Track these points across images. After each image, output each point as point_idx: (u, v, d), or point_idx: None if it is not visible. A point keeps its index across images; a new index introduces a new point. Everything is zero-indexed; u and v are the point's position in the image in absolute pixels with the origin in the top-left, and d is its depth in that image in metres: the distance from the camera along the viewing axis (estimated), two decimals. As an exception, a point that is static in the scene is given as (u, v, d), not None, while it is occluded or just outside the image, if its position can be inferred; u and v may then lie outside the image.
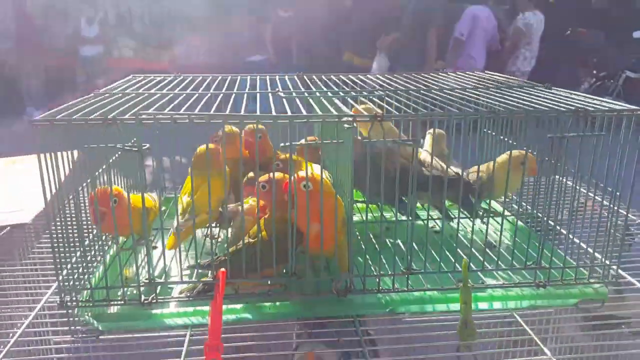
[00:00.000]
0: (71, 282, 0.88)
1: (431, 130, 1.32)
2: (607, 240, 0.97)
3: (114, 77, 1.22)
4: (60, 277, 0.86)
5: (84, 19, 5.98)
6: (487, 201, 1.27)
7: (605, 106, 0.94)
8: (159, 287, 0.91)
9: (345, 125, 0.84)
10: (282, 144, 0.86)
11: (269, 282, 0.92)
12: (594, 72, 6.77)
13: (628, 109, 0.91)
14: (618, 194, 0.94)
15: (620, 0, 7.19)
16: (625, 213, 0.97)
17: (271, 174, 0.89)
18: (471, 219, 1.04)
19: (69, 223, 0.88)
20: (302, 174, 0.88)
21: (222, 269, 0.84)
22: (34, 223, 1.29)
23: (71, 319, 0.89)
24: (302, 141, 0.96)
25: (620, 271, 1.02)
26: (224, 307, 0.86)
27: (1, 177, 1.60)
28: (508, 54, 5.62)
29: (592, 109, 0.91)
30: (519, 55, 5.58)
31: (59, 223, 0.85)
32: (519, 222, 1.15)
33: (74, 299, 0.88)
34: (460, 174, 1.07)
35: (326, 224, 0.87)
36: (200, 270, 0.95)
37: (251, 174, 1.02)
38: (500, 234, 1.05)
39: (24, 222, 1.28)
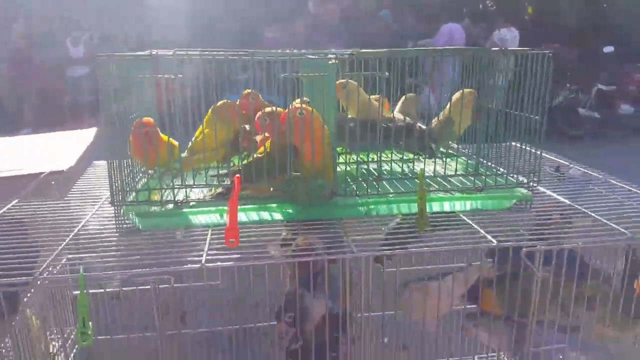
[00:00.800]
0: (120, 187, 1.16)
1: (404, 97, 1.63)
2: (530, 157, 1.28)
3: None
4: (113, 183, 1.14)
5: (69, 40, 6.23)
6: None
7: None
8: (189, 190, 1.19)
9: (330, 62, 1.14)
10: (282, 75, 1.15)
11: (271, 189, 1.20)
12: (568, 85, 7.17)
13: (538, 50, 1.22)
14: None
15: (590, 17, 7.66)
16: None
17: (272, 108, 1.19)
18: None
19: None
20: (297, 105, 1.17)
21: (237, 175, 1.12)
22: (68, 170, 1.55)
23: (119, 217, 1.16)
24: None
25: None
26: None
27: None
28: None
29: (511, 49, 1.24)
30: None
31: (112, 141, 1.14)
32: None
33: (122, 199, 1.16)
34: (421, 125, 1.39)
35: (316, 142, 1.16)
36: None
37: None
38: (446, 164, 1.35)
39: (60, 169, 1.52)
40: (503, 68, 1.27)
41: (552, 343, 1.21)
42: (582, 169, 1.65)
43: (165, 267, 1.01)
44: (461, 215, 1.25)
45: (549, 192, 1.40)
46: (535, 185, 1.27)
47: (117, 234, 1.17)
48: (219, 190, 1.19)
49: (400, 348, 1.31)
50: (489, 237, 1.12)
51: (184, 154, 1.38)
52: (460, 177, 1.32)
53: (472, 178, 1.29)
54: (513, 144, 1.35)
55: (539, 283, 1.13)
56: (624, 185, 1.48)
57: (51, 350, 1.24)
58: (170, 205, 1.19)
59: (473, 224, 1.19)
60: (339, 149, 1.39)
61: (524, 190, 1.28)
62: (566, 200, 1.33)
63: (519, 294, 1.16)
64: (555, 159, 1.73)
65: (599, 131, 6.69)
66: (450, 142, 1.58)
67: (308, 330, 1.17)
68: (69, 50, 6.27)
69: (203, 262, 1.01)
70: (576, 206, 1.30)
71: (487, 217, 1.26)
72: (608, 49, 7.47)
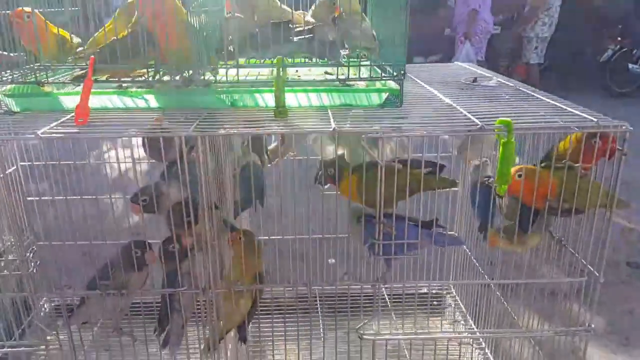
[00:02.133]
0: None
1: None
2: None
3: None
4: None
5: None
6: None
7: None
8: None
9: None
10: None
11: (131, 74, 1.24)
12: (619, 39, 6.66)
13: None
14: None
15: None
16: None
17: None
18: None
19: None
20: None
21: (92, 57, 1.16)
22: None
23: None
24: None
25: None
26: (99, 90, 1.18)
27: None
28: (526, 20, 5.74)
29: None
30: (537, 21, 5.68)
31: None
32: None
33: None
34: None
35: (169, 23, 1.16)
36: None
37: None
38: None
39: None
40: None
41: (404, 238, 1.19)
42: (501, 80, 1.57)
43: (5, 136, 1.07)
44: (329, 111, 1.23)
45: (439, 95, 1.35)
46: (402, 78, 1.23)
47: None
48: (79, 72, 1.24)
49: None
50: (332, 123, 1.10)
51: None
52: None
53: (337, 69, 1.26)
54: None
55: (383, 171, 1.10)
56: (539, 96, 1.40)
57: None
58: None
59: (330, 114, 1.17)
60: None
61: (393, 84, 1.24)
62: (446, 99, 1.28)
63: (370, 184, 1.14)
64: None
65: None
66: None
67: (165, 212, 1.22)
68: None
69: (39, 133, 1.07)
70: (453, 104, 1.25)
71: (358, 113, 1.23)
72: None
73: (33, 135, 1.06)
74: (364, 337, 1.24)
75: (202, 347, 1.28)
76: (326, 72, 1.44)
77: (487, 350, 1.84)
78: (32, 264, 1.16)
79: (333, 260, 1.55)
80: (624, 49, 6.54)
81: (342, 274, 1.21)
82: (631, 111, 5.03)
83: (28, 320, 1.83)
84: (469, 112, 1.18)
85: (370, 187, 1.13)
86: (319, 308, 1.73)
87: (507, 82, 1.54)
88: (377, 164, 1.10)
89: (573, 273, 1.26)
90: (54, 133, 1.07)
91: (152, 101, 1.24)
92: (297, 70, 1.49)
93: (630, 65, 6.55)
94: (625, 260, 2.55)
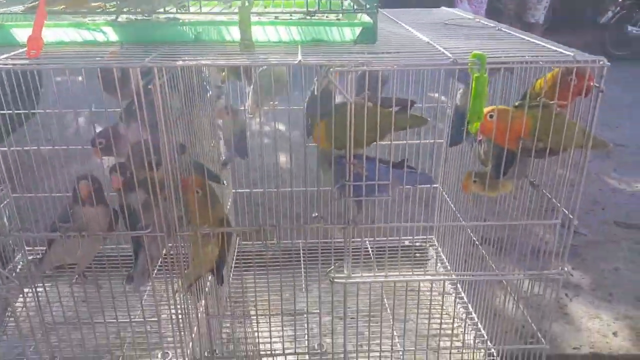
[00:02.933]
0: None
1: None
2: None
3: None
4: None
5: None
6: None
7: None
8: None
9: None
10: None
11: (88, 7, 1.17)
12: (620, 0, 6.50)
13: None
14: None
15: None
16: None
17: None
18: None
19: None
20: None
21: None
22: None
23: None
24: None
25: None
26: (55, 22, 1.12)
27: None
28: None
29: None
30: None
31: None
32: None
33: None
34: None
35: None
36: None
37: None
38: None
39: None
40: None
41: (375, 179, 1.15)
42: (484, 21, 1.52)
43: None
44: (299, 46, 1.17)
45: (418, 34, 1.30)
46: (375, 11, 1.16)
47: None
48: (32, 3, 1.17)
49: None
50: (300, 56, 1.04)
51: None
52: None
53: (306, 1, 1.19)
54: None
55: (352, 108, 1.06)
56: (520, 35, 1.35)
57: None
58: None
59: (299, 49, 1.12)
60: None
61: (367, 18, 1.18)
62: (424, 38, 1.22)
63: (339, 125, 1.10)
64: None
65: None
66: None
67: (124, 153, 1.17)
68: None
69: (-10, 63, 1.01)
70: (430, 41, 1.20)
71: (329, 49, 1.18)
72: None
73: (-20, 66, 1.00)
74: (335, 280, 1.22)
75: (170, 292, 1.26)
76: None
77: (466, 300, 1.84)
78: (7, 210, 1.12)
79: (317, 214, 1.52)
80: (625, 11, 6.39)
81: (312, 216, 1.18)
82: (626, 75, 4.96)
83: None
84: (444, 49, 1.12)
85: (339, 128, 1.09)
86: (301, 260, 1.73)
87: (488, 23, 1.48)
88: (347, 105, 1.05)
89: (549, 217, 1.23)
90: (6, 64, 1.02)
91: (111, 34, 1.18)
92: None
93: (628, 27, 6.41)
94: (613, 219, 2.54)
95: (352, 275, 1.22)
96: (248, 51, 1.11)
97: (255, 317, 1.45)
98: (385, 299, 1.75)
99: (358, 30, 1.19)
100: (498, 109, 1.12)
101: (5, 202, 1.75)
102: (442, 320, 1.81)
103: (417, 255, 2.14)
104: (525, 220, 1.26)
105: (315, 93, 1.46)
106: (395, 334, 1.63)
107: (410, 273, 1.66)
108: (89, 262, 1.28)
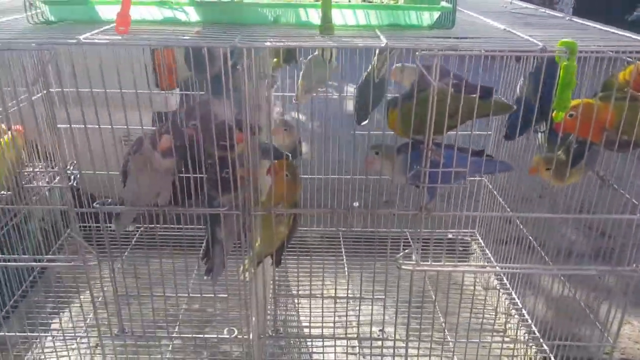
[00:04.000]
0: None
1: None
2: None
3: None
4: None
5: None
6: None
7: None
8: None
9: None
10: None
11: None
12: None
13: None
14: None
15: None
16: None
17: None
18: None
19: None
20: None
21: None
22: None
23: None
24: None
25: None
26: (138, 1, 1.13)
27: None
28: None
29: None
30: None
31: None
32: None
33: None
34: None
35: None
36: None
37: None
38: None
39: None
40: None
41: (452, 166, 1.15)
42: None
43: (45, 40, 1.03)
44: (377, 30, 1.17)
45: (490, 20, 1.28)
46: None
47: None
48: None
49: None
50: (382, 37, 1.04)
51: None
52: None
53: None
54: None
55: (435, 94, 1.05)
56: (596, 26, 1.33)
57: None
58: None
59: (378, 33, 1.11)
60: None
61: (445, 3, 1.17)
62: (499, 25, 1.21)
63: (418, 109, 1.09)
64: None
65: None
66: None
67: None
68: None
69: (81, 39, 1.02)
70: (508, 28, 1.19)
71: (404, 32, 1.17)
72: None
73: (75, 41, 1.01)
74: (402, 267, 1.22)
75: (241, 268, 1.28)
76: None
77: (514, 295, 1.83)
78: (72, 177, 1.14)
79: (357, 204, 1.52)
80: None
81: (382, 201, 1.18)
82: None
83: (59, 243, 1.87)
84: (528, 36, 1.11)
85: (418, 113, 1.08)
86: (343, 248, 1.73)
87: (557, 14, 1.47)
88: (426, 91, 1.05)
89: (622, 212, 1.22)
90: (95, 39, 1.03)
91: (192, 14, 1.19)
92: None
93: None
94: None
95: (421, 263, 1.22)
96: (328, 34, 1.11)
97: (311, 299, 1.47)
98: (431, 291, 1.75)
99: (436, 15, 1.18)
100: (583, 102, 1.10)
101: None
102: (492, 315, 1.81)
103: (461, 248, 2.14)
104: (599, 214, 1.24)
105: (375, 79, 1.47)
106: (444, 326, 1.63)
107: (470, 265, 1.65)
108: (167, 198, 1.28)
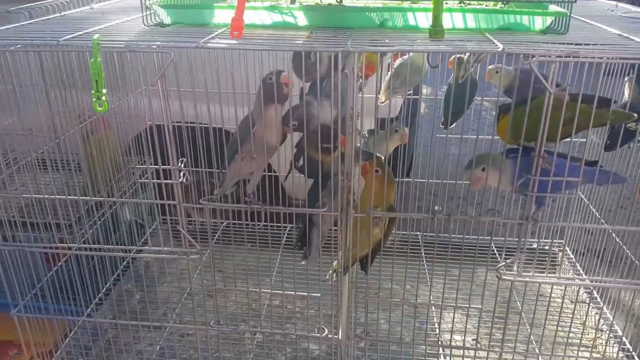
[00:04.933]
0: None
1: None
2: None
3: None
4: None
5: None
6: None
7: None
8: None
9: None
10: None
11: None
12: None
13: None
14: None
15: None
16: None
17: None
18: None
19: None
20: None
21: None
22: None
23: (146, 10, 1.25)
24: None
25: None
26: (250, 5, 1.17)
27: None
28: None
29: None
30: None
31: None
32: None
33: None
34: None
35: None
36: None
37: None
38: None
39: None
40: None
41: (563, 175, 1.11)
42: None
43: (165, 43, 1.08)
44: (487, 34, 1.15)
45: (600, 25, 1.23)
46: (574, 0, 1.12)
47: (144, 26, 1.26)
48: None
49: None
50: (497, 42, 1.02)
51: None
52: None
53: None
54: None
55: (551, 101, 1.02)
56: None
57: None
58: None
59: (490, 37, 1.09)
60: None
61: (559, 8, 1.14)
62: (612, 30, 1.16)
63: (530, 117, 1.06)
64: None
65: None
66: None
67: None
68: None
69: (201, 43, 1.07)
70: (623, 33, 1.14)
71: (515, 36, 1.14)
72: None
73: (195, 45, 1.06)
74: (503, 277, 1.19)
75: (331, 271, 1.30)
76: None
77: (606, 310, 1.75)
78: (181, 173, 1.19)
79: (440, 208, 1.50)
80: None
81: (486, 209, 1.16)
82: None
83: (146, 235, 1.96)
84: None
85: (531, 120, 1.05)
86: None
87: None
88: (539, 97, 1.02)
89: None
90: (214, 44, 1.07)
91: (300, 18, 1.21)
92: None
93: None
94: None
95: (523, 273, 1.19)
96: (438, 38, 1.10)
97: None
98: (517, 302, 1.71)
99: (549, 20, 1.15)
100: None
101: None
102: (579, 329, 1.73)
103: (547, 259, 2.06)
104: None
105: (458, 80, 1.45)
106: (532, 338, 1.58)
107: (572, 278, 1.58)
108: (259, 178, 1.33)
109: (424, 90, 1.79)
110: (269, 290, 1.37)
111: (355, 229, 1.24)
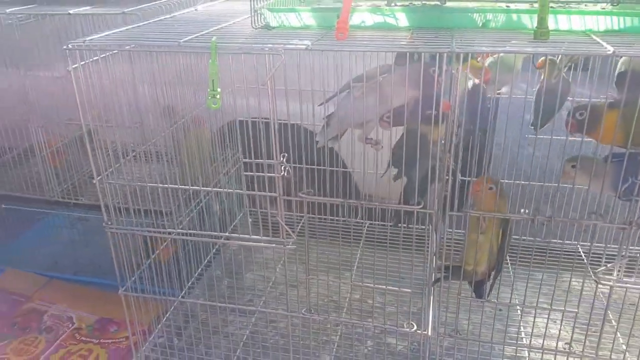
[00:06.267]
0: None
1: None
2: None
3: None
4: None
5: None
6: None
7: None
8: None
9: None
10: None
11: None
12: None
13: None
14: None
15: None
16: None
17: None
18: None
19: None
20: None
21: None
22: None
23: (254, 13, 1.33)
24: None
25: None
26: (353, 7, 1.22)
27: None
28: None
29: None
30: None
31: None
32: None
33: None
34: None
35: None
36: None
37: None
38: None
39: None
40: None
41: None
42: None
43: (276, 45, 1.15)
44: (592, 36, 1.13)
45: None
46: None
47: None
48: None
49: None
50: (606, 45, 1.01)
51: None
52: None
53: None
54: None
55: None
56: None
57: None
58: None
59: (597, 39, 1.08)
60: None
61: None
62: None
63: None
64: None
65: None
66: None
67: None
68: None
69: (309, 45, 1.12)
70: None
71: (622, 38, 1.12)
72: None
73: (304, 47, 1.12)
74: (602, 282, 1.17)
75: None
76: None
77: None
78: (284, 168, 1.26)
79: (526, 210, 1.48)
80: None
81: (588, 213, 1.14)
82: None
83: (234, 224, 2.07)
84: None
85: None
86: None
87: None
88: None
89: None
90: (323, 46, 1.13)
91: (402, 19, 1.24)
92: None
93: None
94: None
95: (624, 279, 1.17)
96: (543, 39, 1.10)
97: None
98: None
99: (664, 19, 1.11)
100: None
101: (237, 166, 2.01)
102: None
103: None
104: None
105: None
106: (625, 347, 1.53)
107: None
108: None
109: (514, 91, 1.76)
110: (363, 284, 1.42)
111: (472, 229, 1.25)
